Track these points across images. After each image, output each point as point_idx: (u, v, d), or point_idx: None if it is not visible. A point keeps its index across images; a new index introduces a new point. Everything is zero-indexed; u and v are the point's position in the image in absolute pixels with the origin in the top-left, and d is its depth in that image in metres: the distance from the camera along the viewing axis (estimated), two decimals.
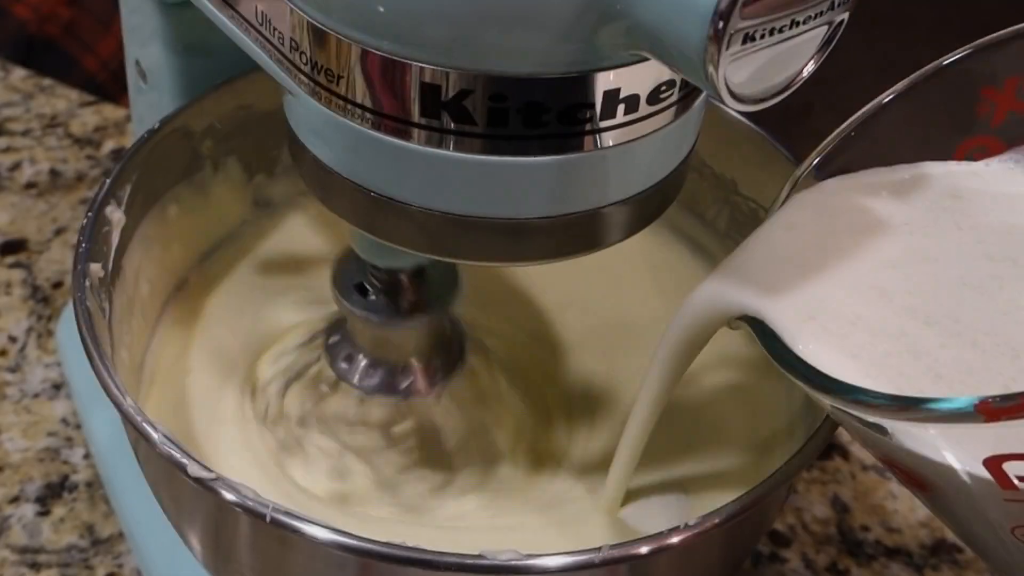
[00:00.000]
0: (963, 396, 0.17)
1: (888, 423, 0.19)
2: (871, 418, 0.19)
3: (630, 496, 0.29)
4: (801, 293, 0.22)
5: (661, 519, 0.28)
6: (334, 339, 0.31)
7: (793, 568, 0.39)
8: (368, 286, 0.29)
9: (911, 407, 0.18)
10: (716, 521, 0.22)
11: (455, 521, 0.29)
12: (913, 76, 0.25)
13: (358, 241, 0.28)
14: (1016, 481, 0.18)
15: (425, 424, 0.30)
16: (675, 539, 0.21)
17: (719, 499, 0.23)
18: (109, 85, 0.68)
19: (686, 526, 0.22)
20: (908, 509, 0.42)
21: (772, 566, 0.39)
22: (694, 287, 0.24)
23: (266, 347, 0.33)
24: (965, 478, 0.19)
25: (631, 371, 0.33)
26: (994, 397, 0.16)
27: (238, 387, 0.32)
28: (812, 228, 0.24)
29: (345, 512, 0.29)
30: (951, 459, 0.19)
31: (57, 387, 0.44)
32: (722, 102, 0.18)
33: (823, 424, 0.25)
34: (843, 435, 0.45)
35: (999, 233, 0.23)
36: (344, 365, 0.31)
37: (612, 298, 0.36)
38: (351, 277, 0.29)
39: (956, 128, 0.25)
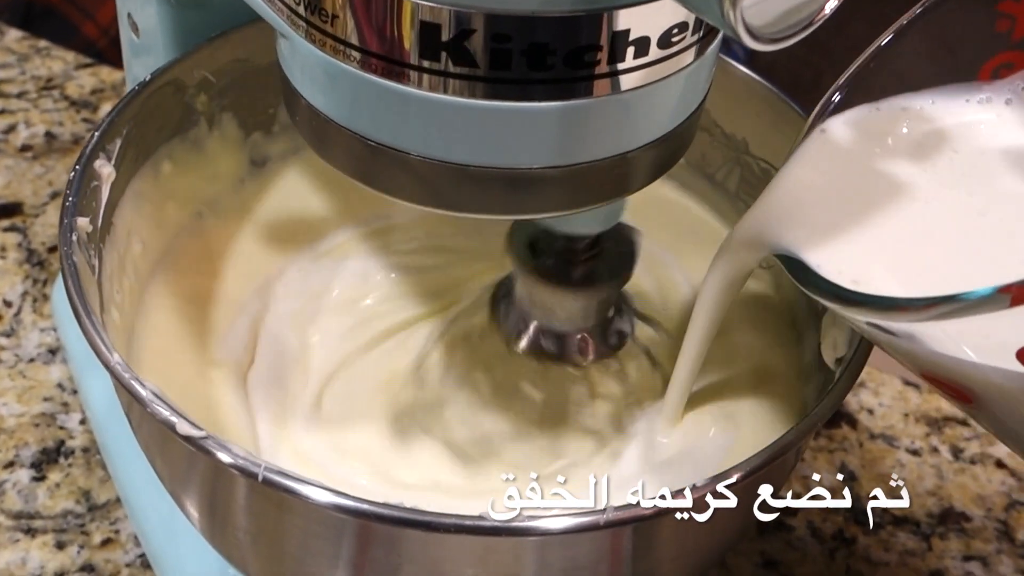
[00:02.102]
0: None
1: (922, 328, 0.20)
2: (906, 321, 0.20)
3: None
4: (830, 229, 0.23)
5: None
6: (502, 294, 0.31)
7: (799, 536, 0.38)
8: (540, 247, 0.28)
9: (941, 303, 0.18)
10: (723, 483, 0.21)
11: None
12: (926, 1, 0.24)
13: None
14: None
15: (558, 393, 0.30)
16: (680, 501, 0.21)
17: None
18: (108, 52, 0.67)
19: (693, 488, 0.21)
20: (916, 477, 0.41)
21: (778, 534, 0.38)
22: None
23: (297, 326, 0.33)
24: (1002, 379, 0.19)
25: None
26: (1017, 281, 0.17)
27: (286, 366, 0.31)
28: (833, 167, 0.25)
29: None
30: (986, 360, 0.19)
31: (53, 352, 0.43)
32: (739, 39, 0.17)
33: (828, 391, 0.24)
34: (850, 403, 0.44)
35: (1004, 162, 0.23)
36: (503, 318, 0.30)
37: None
38: (524, 236, 0.28)
39: (978, 48, 0.24)
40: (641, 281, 0.34)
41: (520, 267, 0.28)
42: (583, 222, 0.27)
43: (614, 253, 0.29)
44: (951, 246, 0.22)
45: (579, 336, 0.30)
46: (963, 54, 0.24)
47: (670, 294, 0.34)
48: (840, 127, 0.25)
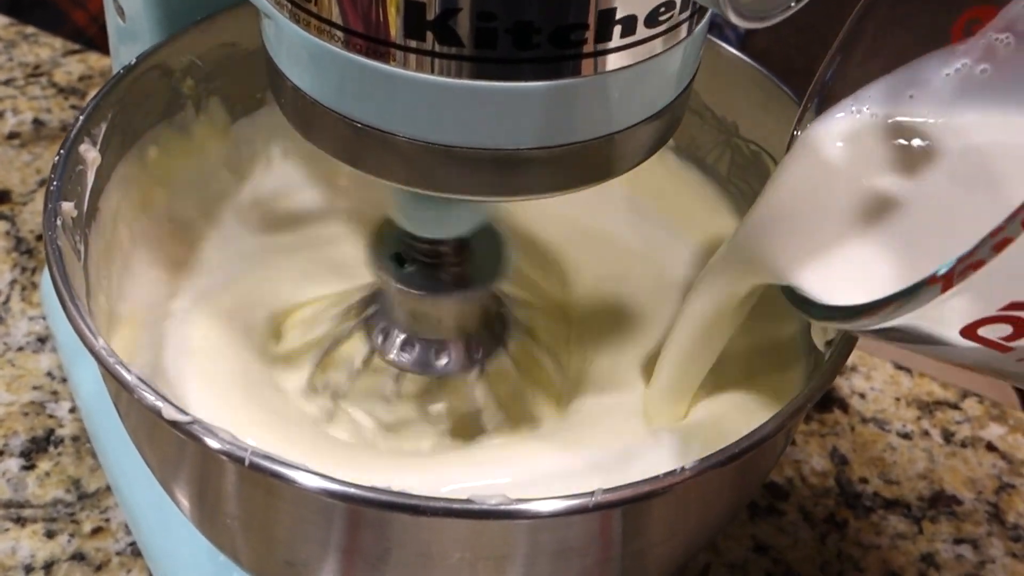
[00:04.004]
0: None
1: (904, 327, 0.20)
2: (869, 327, 0.20)
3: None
4: (815, 253, 0.23)
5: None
6: (371, 311, 0.30)
7: (791, 520, 0.39)
8: (407, 257, 0.28)
9: (887, 303, 0.19)
10: (712, 464, 0.21)
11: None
12: None
13: (398, 211, 0.27)
14: (1004, 342, 0.18)
15: (461, 405, 0.29)
16: (669, 483, 0.21)
17: None
18: (98, 39, 0.67)
19: (682, 470, 0.21)
20: (907, 461, 0.41)
21: (770, 518, 0.38)
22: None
23: (274, 308, 0.32)
24: (973, 355, 0.19)
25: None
26: (938, 268, 0.17)
27: (248, 347, 0.31)
28: (818, 185, 0.25)
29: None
30: (950, 345, 0.19)
31: (42, 340, 0.43)
32: (724, 16, 0.17)
33: (816, 372, 0.24)
34: (842, 388, 0.44)
35: (972, 164, 0.23)
36: (380, 338, 0.30)
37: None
38: (389, 247, 0.28)
39: (945, 8, 0.24)
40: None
41: (389, 279, 0.28)
42: (445, 226, 0.27)
43: (484, 256, 0.29)
44: (945, 250, 0.22)
45: (460, 342, 0.29)
46: (933, 19, 0.24)
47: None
48: (824, 139, 0.25)
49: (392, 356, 0.29)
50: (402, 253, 0.28)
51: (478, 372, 0.29)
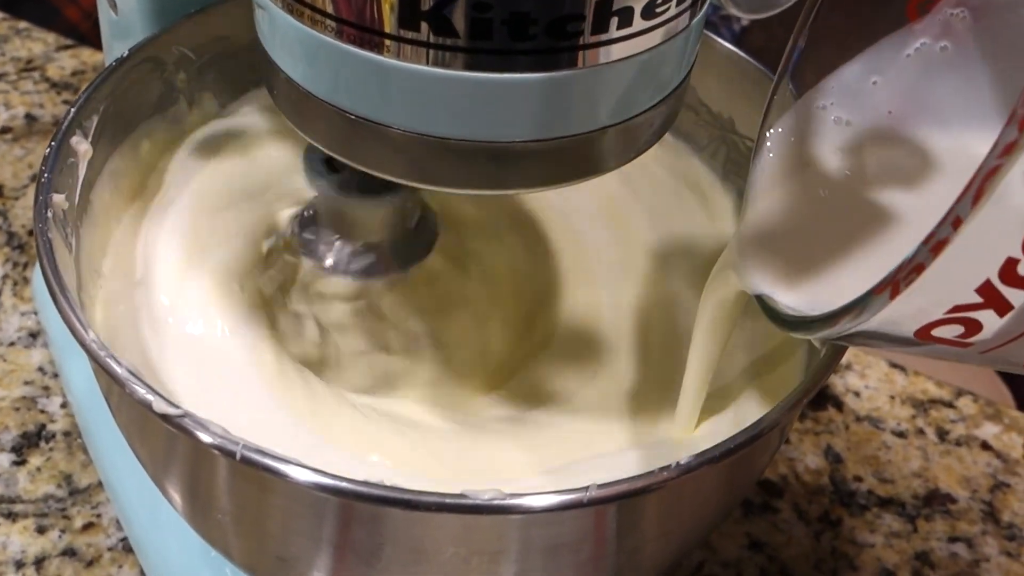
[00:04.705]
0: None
1: (866, 332, 0.20)
2: (829, 337, 0.21)
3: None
4: (784, 264, 0.24)
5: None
6: (306, 215, 0.30)
7: (785, 518, 0.39)
8: (337, 163, 0.28)
9: (839, 317, 0.19)
10: (706, 460, 0.21)
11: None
12: None
13: None
14: (960, 340, 0.18)
15: (375, 310, 0.29)
16: (663, 479, 0.20)
17: None
18: (91, 35, 0.66)
19: (676, 465, 0.21)
20: (901, 459, 0.41)
21: (764, 516, 0.38)
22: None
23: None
24: (939, 352, 0.20)
25: (619, 306, 0.32)
26: (881, 282, 0.17)
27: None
28: (782, 201, 0.25)
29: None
30: (915, 345, 0.19)
31: (34, 335, 0.43)
32: (726, 8, 0.17)
33: (815, 370, 0.24)
34: (836, 386, 0.44)
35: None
36: (309, 237, 0.30)
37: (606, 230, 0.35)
38: (321, 153, 0.28)
39: None
40: None
41: (320, 184, 0.28)
42: None
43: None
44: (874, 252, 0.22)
45: (381, 247, 0.29)
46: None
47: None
48: (787, 143, 0.25)
49: (317, 255, 0.30)
50: (332, 160, 0.28)
51: (393, 279, 0.29)
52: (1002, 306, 0.17)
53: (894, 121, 0.24)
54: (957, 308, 0.18)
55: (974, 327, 0.18)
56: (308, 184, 0.28)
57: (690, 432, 0.28)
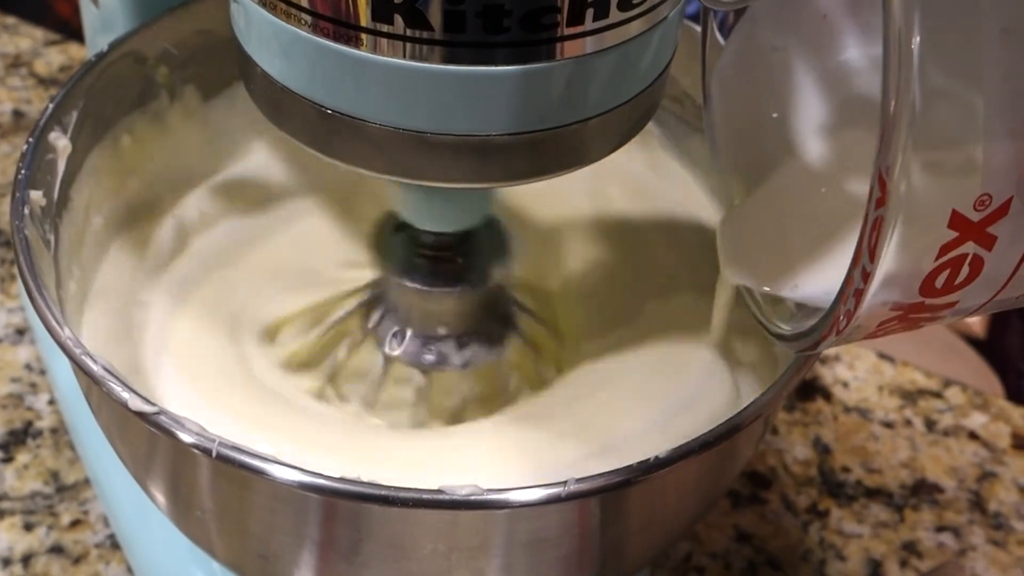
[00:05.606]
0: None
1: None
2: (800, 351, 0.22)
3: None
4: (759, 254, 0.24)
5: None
6: (377, 313, 0.29)
7: (773, 509, 0.39)
8: (413, 251, 0.27)
9: (801, 339, 0.21)
10: (685, 451, 0.21)
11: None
12: None
13: (403, 206, 0.27)
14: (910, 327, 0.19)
15: (447, 397, 0.29)
16: (643, 471, 0.20)
17: None
18: (82, 31, 0.66)
19: (656, 459, 0.21)
20: (889, 450, 0.41)
21: (752, 507, 0.38)
22: None
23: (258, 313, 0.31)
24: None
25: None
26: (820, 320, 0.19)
27: (233, 339, 0.30)
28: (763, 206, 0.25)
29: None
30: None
31: (20, 332, 0.43)
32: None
33: (796, 360, 0.24)
34: (825, 377, 0.44)
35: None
36: (386, 334, 0.29)
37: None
38: (392, 241, 0.27)
39: None
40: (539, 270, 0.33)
41: (392, 273, 0.27)
42: (447, 220, 0.26)
43: (488, 249, 0.28)
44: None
45: (459, 338, 0.29)
46: None
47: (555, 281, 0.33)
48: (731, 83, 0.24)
49: (396, 352, 0.29)
50: (405, 247, 0.28)
51: (470, 369, 0.29)
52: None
53: (830, 28, 0.24)
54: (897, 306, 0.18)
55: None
56: (380, 268, 0.27)
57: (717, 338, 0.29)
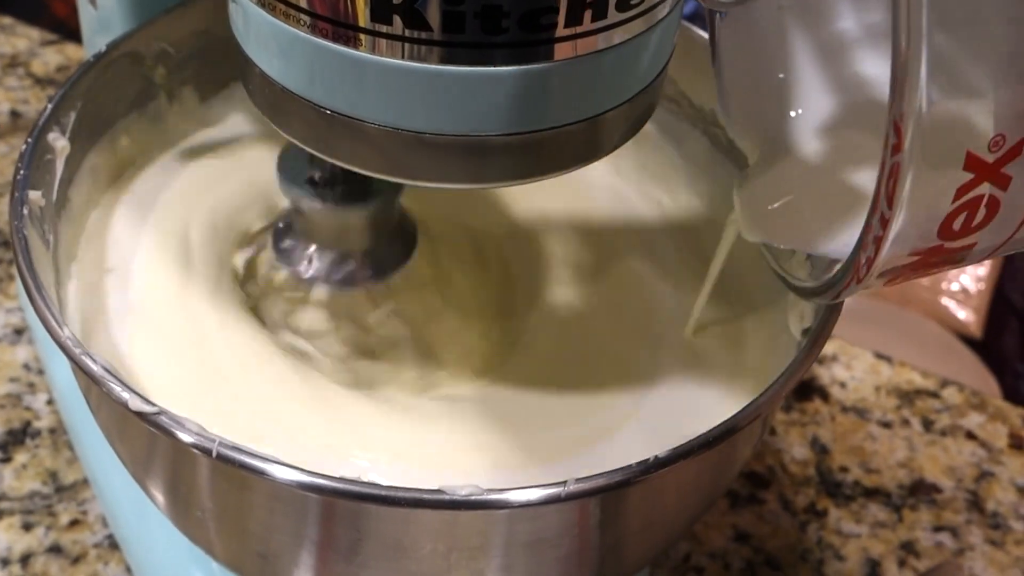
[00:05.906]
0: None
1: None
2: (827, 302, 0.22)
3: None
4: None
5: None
6: (281, 225, 0.30)
7: (771, 509, 0.39)
8: (313, 174, 0.28)
9: (824, 292, 0.21)
10: (684, 451, 0.21)
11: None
12: None
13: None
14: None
15: (355, 318, 0.30)
16: (642, 472, 0.20)
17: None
18: (79, 31, 0.66)
19: (656, 459, 0.21)
20: (887, 450, 0.41)
21: (750, 507, 0.38)
22: None
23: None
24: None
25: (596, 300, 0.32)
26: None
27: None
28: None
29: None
30: None
31: (19, 332, 0.43)
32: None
33: (795, 361, 0.24)
34: (822, 377, 0.44)
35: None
36: (288, 252, 0.30)
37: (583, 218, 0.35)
38: (298, 165, 0.28)
39: None
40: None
41: (295, 192, 0.28)
42: None
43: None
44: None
45: (360, 254, 0.29)
46: None
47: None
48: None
49: (300, 268, 0.30)
50: (309, 169, 0.28)
51: (373, 286, 0.30)
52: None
53: None
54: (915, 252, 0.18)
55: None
56: (283, 192, 0.28)
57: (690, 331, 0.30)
